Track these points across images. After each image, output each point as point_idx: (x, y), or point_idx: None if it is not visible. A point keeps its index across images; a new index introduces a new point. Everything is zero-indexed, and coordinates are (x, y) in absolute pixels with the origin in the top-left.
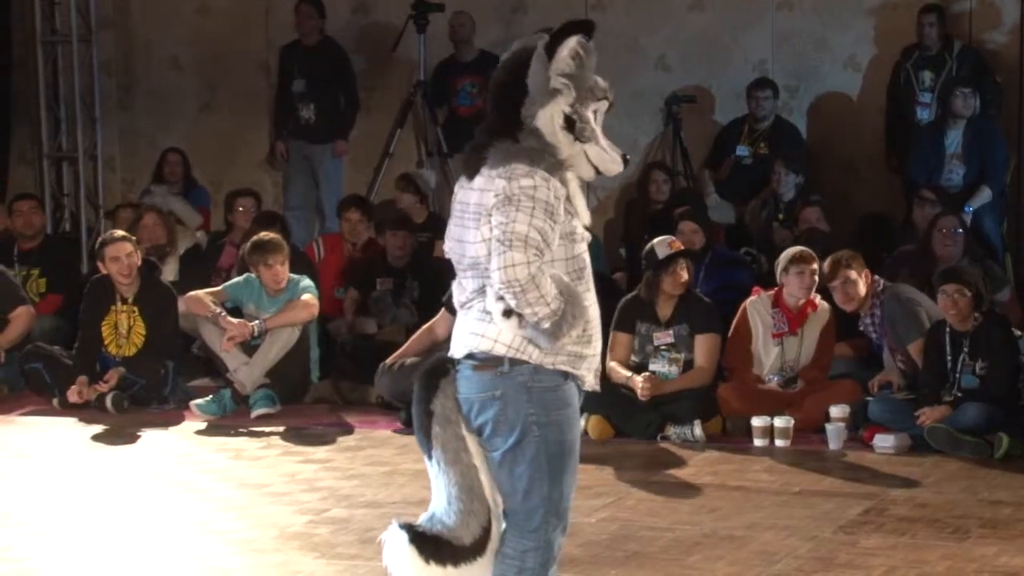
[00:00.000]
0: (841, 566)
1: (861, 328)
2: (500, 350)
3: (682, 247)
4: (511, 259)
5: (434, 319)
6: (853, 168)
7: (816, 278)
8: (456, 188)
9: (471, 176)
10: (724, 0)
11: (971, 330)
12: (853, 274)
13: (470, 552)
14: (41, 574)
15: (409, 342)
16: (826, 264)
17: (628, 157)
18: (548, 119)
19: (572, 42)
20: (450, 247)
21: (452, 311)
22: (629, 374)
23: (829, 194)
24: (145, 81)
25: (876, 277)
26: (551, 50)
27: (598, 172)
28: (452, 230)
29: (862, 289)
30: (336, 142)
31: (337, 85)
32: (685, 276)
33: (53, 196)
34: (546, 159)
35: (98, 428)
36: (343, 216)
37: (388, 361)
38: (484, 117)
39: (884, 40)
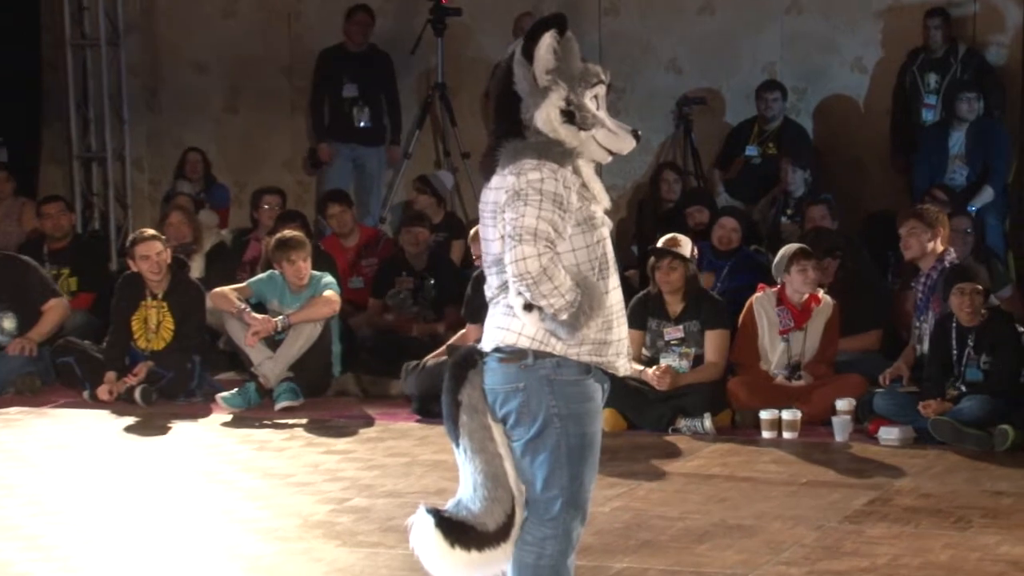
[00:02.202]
0: (847, 554)
1: (913, 284)
2: (524, 343)
3: (676, 247)
4: (522, 252)
5: (461, 332)
6: (860, 168)
7: (817, 273)
8: (482, 190)
9: (488, 177)
10: (734, 4)
11: (977, 325)
12: (920, 226)
13: (494, 538)
14: (72, 561)
15: (441, 348)
16: (901, 212)
17: (639, 133)
18: (546, 118)
19: (547, 39)
20: (481, 247)
21: (472, 321)
22: (641, 368)
23: (836, 193)
24: (171, 83)
25: (951, 248)
26: (528, 52)
27: (612, 154)
28: (480, 231)
29: (927, 244)
30: (391, 148)
31: (384, 90)
32: (673, 277)
33: (83, 195)
34: (554, 150)
35: (127, 420)
36: (326, 214)
37: (413, 363)
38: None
39: (890, 43)
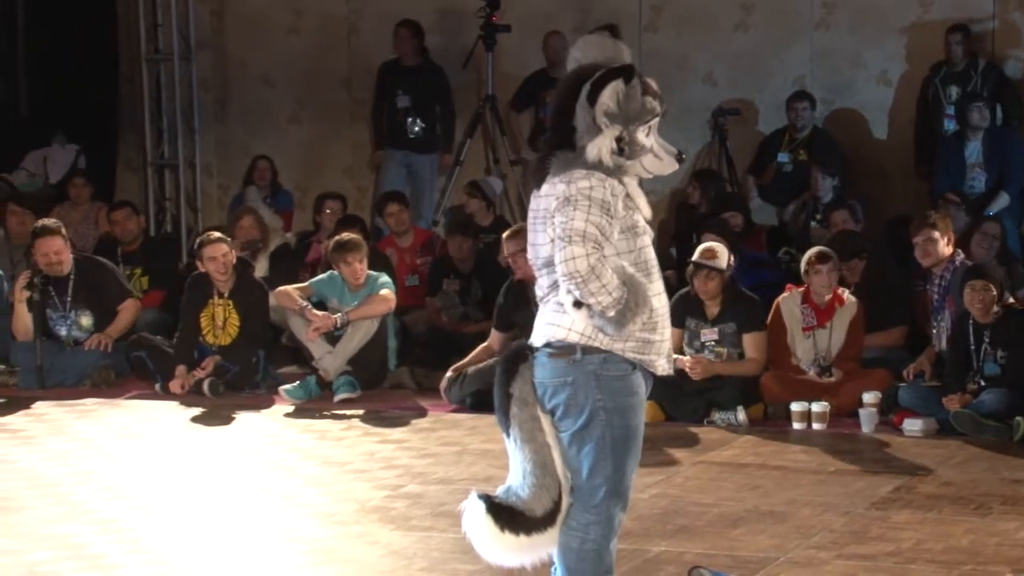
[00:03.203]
0: (873, 539)
1: (928, 286)
2: (573, 337)
3: (712, 259)
4: (571, 253)
5: (489, 340)
6: (884, 175)
7: (834, 275)
8: (531, 198)
9: (539, 185)
10: (766, 20)
11: (992, 322)
12: (936, 234)
13: (541, 523)
14: (145, 543)
15: (469, 357)
16: (913, 222)
17: (683, 156)
18: (596, 152)
19: (611, 86)
20: (530, 252)
21: (500, 329)
22: (675, 356)
23: (862, 198)
24: (239, 96)
25: (959, 250)
26: (593, 97)
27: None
28: (529, 236)
29: (942, 249)
30: (444, 156)
31: (438, 101)
32: (710, 286)
33: (156, 200)
34: (602, 167)
35: (196, 411)
36: (384, 212)
37: (451, 374)
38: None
39: (914, 57)
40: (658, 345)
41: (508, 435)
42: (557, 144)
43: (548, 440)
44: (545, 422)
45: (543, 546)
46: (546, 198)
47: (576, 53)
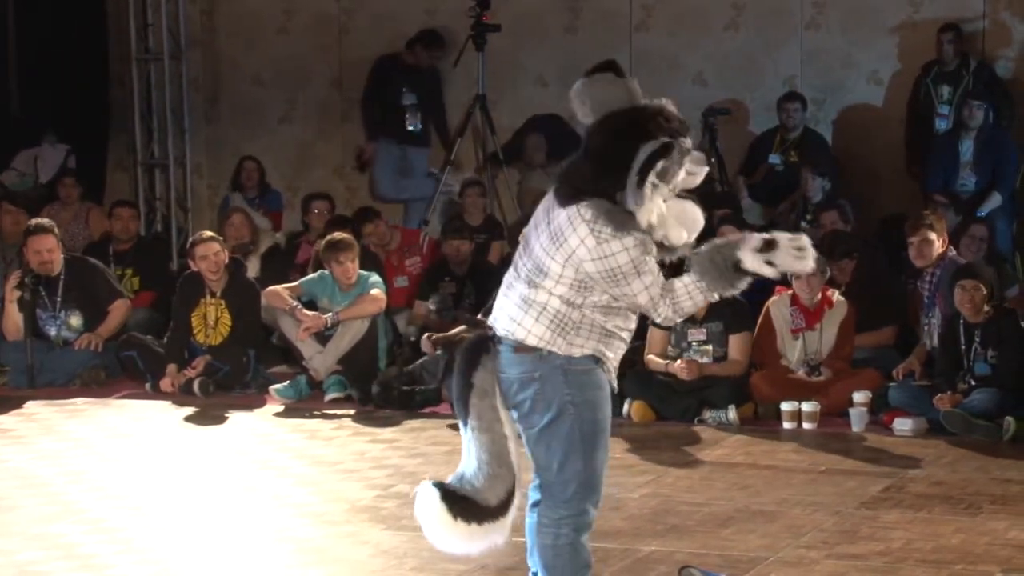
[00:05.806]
0: (863, 539)
1: (918, 283)
2: (532, 341)
3: None
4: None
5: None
6: (876, 174)
7: (815, 280)
8: (547, 198)
9: (563, 204)
10: (757, 20)
11: (983, 322)
12: (932, 235)
13: (494, 512)
14: (135, 543)
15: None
16: (908, 222)
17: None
18: (646, 218)
19: (658, 167)
20: (523, 244)
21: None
22: (667, 362)
23: (853, 197)
24: (229, 95)
25: (951, 247)
26: (642, 180)
27: None
28: (530, 225)
29: (937, 250)
30: (441, 151)
31: (436, 99)
32: None
33: (146, 200)
34: (634, 223)
35: (187, 410)
36: (363, 234)
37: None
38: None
39: (905, 57)
40: (610, 363)
41: (465, 424)
42: (597, 192)
43: (505, 431)
44: (503, 414)
45: (494, 534)
46: (569, 220)
47: (597, 95)
